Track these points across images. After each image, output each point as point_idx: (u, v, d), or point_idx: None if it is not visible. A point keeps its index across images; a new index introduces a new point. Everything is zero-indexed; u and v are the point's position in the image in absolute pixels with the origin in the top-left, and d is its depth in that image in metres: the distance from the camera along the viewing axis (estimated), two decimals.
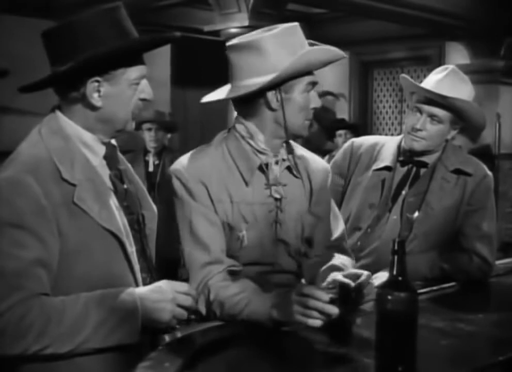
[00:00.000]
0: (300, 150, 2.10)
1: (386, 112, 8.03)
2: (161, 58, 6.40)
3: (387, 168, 2.54)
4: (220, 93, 2.01)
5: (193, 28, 6.22)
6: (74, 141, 1.65)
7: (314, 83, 1.94)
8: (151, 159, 4.91)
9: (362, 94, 8.11)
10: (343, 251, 2.16)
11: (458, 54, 6.91)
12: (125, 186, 1.76)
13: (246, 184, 1.94)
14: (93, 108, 1.64)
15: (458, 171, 2.50)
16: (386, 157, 2.55)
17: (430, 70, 2.69)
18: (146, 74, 1.69)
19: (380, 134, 7.72)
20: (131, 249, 1.69)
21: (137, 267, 1.70)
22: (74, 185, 1.59)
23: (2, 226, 1.52)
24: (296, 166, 2.03)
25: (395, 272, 1.38)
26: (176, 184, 1.92)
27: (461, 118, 2.45)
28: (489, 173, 2.54)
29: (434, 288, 2.30)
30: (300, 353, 1.65)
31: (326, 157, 5.87)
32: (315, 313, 1.62)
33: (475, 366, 1.58)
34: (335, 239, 2.16)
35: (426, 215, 2.46)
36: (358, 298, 1.79)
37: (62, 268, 1.56)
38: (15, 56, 5.05)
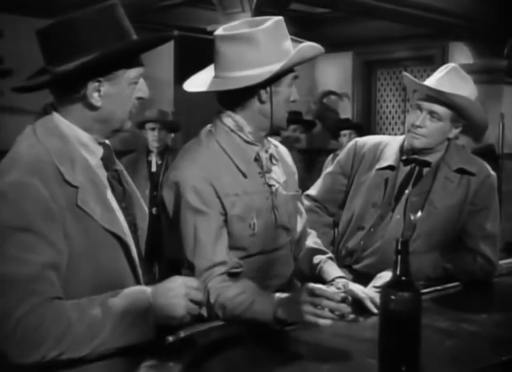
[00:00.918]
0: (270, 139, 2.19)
1: (390, 112, 8.02)
2: (165, 58, 6.41)
3: (390, 167, 2.54)
4: (204, 83, 2.01)
5: (196, 28, 6.22)
6: (72, 141, 1.62)
7: (296, 77, 2.02)
8: (154, 159, 4.91)
9: (365, 94, 8.09)
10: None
11: (462, 54, 6.89)
12: (124, 187, 1.75)
13: (244, 175, 1.98)
14: (92, 108, 1.61)
15: (461, 171, 2.49)
16: (389, 157, 2.55)
17: (433, 70, 2.69)
18: (144, 72, 1.68)
19: (384, 134, 7.71)
20: (134, 250, 1.68)
21: (139, 268, 1.70)
22: (75, 187, 1.56)
23: (11, 231, 1.48)
24: (274, 153, 2.12)
25: (398, 272, 1.38)
26: (183, 190, 1.90)
27: (462, 116, 2.45)
28: (493, 173, 2.54)
29: (438, 287, 2.30)
30: (301, 352, 1.66)
31: (330, 156, 5.87)
32: (328, 313, 1.64)
33: (478, 366, 1.58)
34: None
35: (429, 215, 2.46)
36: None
37: (67, 271, 1.54)
38: (18, 55, 5.04)
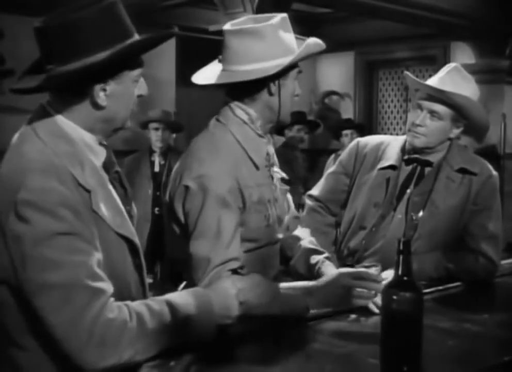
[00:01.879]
0: None
1: (391, 112, 8.02)
2: (166, 58, 6.41)
3: (392, 167, 2.54)
4: (212, 77, 2.03)
5: (198, 27, 6.23)
6: (78, 144, 1.57)
7: (300, 72, 2.08)
8: (157, 159, 4.91)
9: (367, 93, 8.10)
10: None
11: (463, 54, 6.89)
12: (126, 189, 1.73)
13: (257, 167, 2.02)
14: (98, 107, 1.57)
15: (463, 171, 2.49)
16: (391, 156, 2.55)
17: (435, 70, 2.69)
18: (144, 71, 1.66)
19: (385, 134, 7.71)
20: (142, 252, 1.68)
21: (145, 270, 1.70)
22: (88, 191, 1.52)
23: (53, 237, 1.43)
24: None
25: (400, 272, 1.38)
26: (210, 182, 1.89)
27: (462, 116, 2.44)
28: (495, 173, 2.54)
29: (440, 287, 2.30)
30: (303, 352, 1.66)
31: (332, 156, 5.88)
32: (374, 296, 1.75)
33: (480, 366, 1.58)
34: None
35: (430, 215, 2.46)
36: None
37: None
38: (20, 56, 5.05)
